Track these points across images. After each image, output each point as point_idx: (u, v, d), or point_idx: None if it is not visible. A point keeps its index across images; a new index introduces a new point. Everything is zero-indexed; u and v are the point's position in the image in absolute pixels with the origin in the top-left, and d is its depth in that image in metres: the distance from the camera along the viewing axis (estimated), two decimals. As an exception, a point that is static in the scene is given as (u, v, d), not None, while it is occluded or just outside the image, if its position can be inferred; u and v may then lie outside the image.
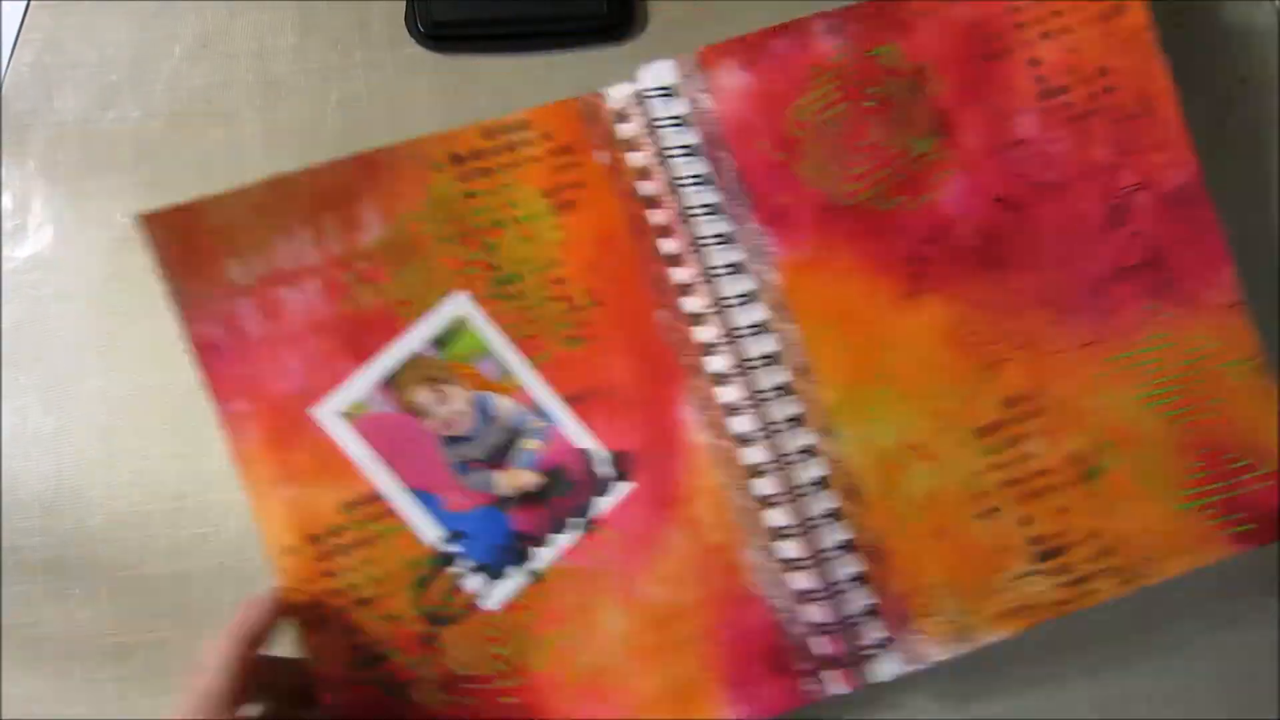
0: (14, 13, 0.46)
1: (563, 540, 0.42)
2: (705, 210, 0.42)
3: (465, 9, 0.46)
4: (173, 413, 0.44)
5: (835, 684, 0.41)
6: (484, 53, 0.46)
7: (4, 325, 0.44)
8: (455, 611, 0.41)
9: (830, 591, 0.41)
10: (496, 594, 0.41)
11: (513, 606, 0.41)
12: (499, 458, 0.42)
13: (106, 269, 0.45)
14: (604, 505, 0.42)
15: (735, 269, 0.42)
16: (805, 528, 0.41)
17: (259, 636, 0.38)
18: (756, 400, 0.42)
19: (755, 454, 0.42)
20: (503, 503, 0.42)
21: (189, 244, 0.42)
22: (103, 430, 0.43)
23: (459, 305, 0.43)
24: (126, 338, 0.44)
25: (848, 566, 0.41)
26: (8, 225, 0.45)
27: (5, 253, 0.45)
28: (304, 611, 0.40)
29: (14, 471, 0.44)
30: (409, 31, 0.46)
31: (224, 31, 0.46)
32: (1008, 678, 0.42)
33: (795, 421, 0.41)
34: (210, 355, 0.41)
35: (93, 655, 0.43)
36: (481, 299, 0.43)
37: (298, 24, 0.46)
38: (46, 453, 0.44)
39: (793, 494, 0.41)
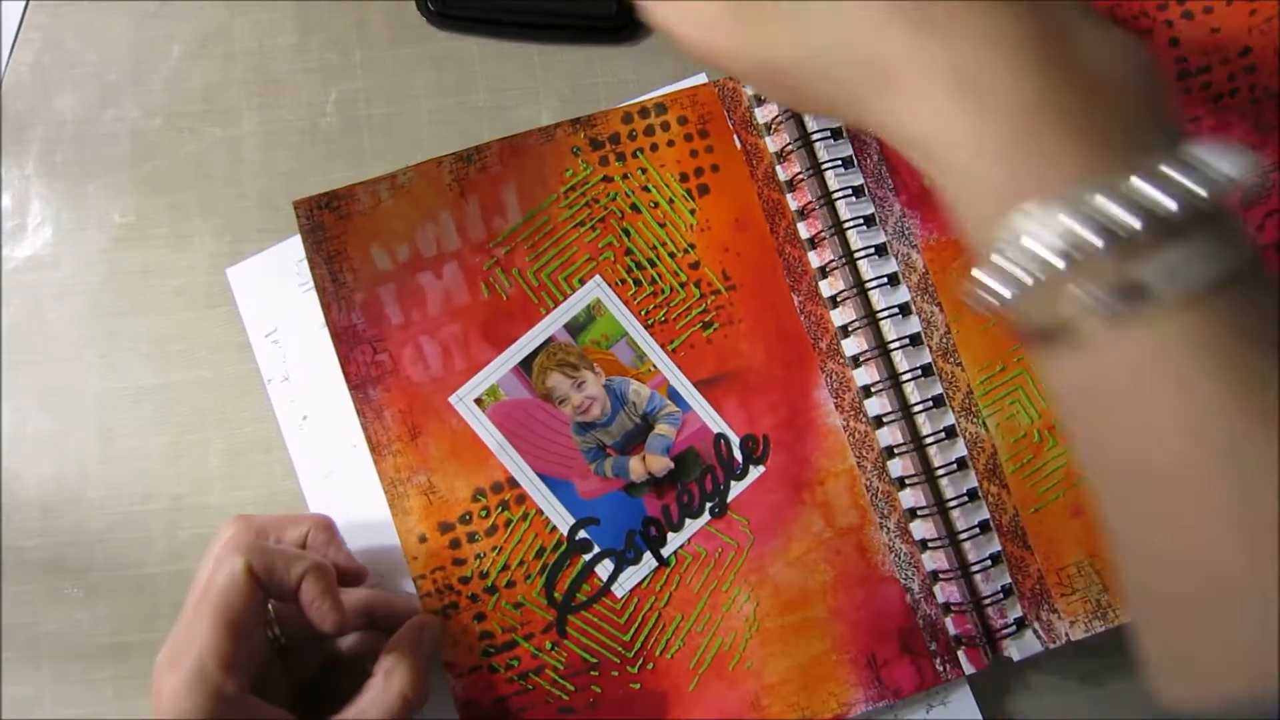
0: (13, 12, 0.46)
1: (694, 525, 0.42)
2: (849, 193, 0.42)
3: None
4: (172, 413, 0.43)
5: (967, 664, 0.41)
6: (488, 37, 0.46)
7: (4, 325, 0.44)
8: (584, 599, 0.41)
9: (964, 571, 0.41)
10: (626, 580, 0.41)
11: (642, 592, 0.41)
12: (632, 443, 0.42)
13: (106, 269, 0.44)
14: (737, 489, 0.42)
15: (878, 251, 0.42)
16: (939, 508, 0.41)
17: (241, 620, 0.34)
18: (894, 381, 0.42)
19: (890, 435, 0.42)
20: (635, 488, 0.42)
21: (337, 229, 0.42)
22: (103, 430, 0.43)
23: (594, 290, 0.42)
24: (126, 338, 0.44)
25: (985, 547, 0.41)
26: (7, 225, 0.45)
27: (5, 253, 0.45)
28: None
29: (14, 472, 0.43)
30: (418, 8, 0.46)
31: (223, 31, 0.46)
32: (1006, 678, 0.42)
33: (936, 403, 0.41)
34: (348, 341, 0.41)
35: (92, 655, 0.42)
36: (616, 284, 0.42)
37: (297, 24, 0.46)
38: (46, 453, 0.43)
39: (928, 475, 0.41)
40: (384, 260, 0.42)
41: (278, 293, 0.44)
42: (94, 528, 0.43)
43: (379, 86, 0.45)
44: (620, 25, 0.45)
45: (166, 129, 0.45)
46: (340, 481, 0.42)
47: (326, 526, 0.39)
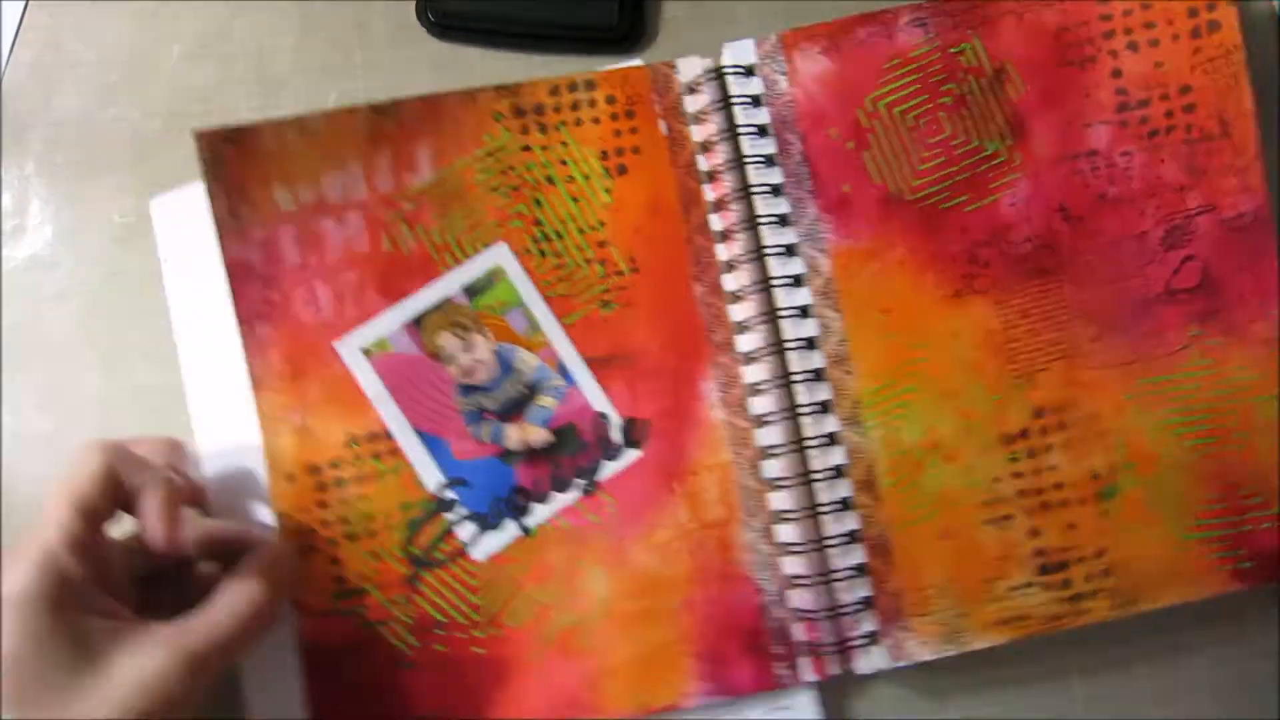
0: (13, 12, 0.46)
1: (562, 499, 0.42)
2: (766, 190, 0.41)
3: (477, 3, 0.45)
4: (172, 413, 0.43)
5: (807, 672, 0.41)
6: (489, 47, 0.45)
7: (4, 325, 0.44)
8: (441, 557, 0.41)
9: (823, 579, 0.41)
10: (486, 545, 0.41)
11: (500, 559, 0.41)
12: (513, 411, 0.42)
13: (105, 269, 0.44)
14: (609, 470, 0.42)
15: (787, 251, 0.41)
16: (808, 513, 0.41)
17: (92, 505, 0.33)
18: (783, 382, 0.41)
19: (771, 435, 0.42)
20: (509, 456, 0.42)
21: (239, 164, 0.41)
22: (102, 430, 0.42)
23: (497, 256, 0.42)
24: (126, 338, 0.44)
25: (850, 557, 0.41)
26: (7, 225, 0.45)
27: (5, 253, 0.45)
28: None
29: (13, 471, 0.44)
30: (418, 19, 0.45)
31: (224, 31, 0.46)
32: (1005, 676, 0.43)
33: (822, 408, 0.41)
34: (241, 276, 0.41)
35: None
36: (521, 253, 0.42)
37: (297, 24, 0.46)
38: (45, 453, 0.44)
39: (802, 479, 0.41)
40: (286, 201, 0.41)
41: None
42: (93, 528, 0.44)
43: (379, 87, 0.45)
44: (621, 36, 0.45)
45: (167, 129, 0.45)
46: (228, 414, 0.42)
47: (175, 446, 0.40)
